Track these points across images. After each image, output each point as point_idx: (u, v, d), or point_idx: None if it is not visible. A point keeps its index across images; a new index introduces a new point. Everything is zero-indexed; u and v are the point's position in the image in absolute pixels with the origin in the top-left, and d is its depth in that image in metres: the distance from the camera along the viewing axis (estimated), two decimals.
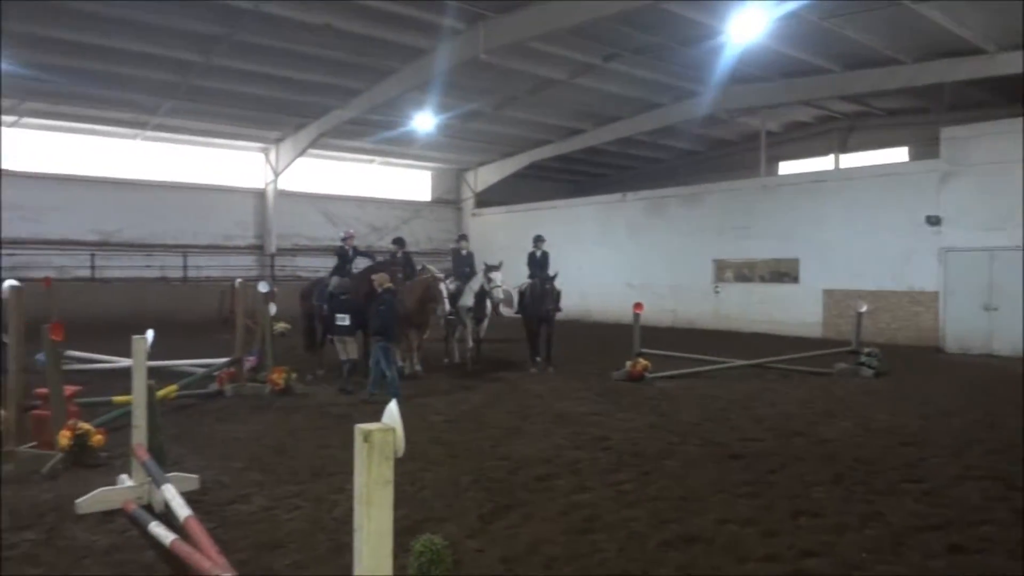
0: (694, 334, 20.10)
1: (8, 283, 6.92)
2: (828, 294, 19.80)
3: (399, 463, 2.20)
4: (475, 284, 13.15)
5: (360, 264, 13.48)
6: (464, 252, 14.17)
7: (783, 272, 21.40)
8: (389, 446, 2.16)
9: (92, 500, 5.30)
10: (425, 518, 5.19)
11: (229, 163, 27.39)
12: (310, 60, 18.49)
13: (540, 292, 12.95)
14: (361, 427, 2.14)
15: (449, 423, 8.67)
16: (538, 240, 14.01)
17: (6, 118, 21.83)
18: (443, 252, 27.97)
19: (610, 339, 18.17)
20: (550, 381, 11.95)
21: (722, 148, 28.99)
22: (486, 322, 13.65)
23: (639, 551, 4.73)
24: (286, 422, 8.67)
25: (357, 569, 2.20)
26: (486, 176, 31.70)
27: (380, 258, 13.96)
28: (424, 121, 22.86)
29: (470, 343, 13.30)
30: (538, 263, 13.81)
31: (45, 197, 23.27)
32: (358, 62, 18.75)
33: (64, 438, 6.33)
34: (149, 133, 24.65)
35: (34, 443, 6.65)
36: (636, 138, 26.15)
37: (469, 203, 32.59)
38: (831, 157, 25.73)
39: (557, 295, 13.22)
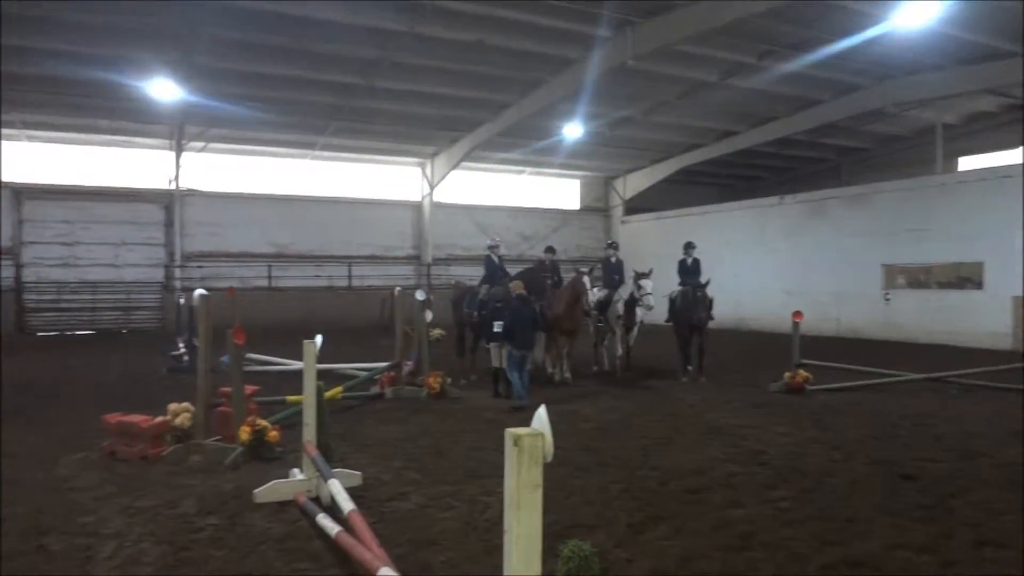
0: (860, 344, 18.78)
1: (198, 292, 7.69)
2: (1018, 301, 17.84)
3: (548, 468, 2.23)
4: (624, 292, 13.05)
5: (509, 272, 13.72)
6: (613, 260, 14.09)
7: (965, 277, 19.53)
8: (538, 451, 2.19)
9: (268, 491, 5.74)
10: (573, 524, 5.20)
11: (389, 178, 28.92)
12: (462, 76, 19.18)
13: (692, 299, 12.63)
14: (511, 431, 2.18)
15: (598, 431, 8.63)
16: (689, 246, 13.67)
17: (195, 144, 24.28)
18: (592, 260, 27.96)
19: (767, 349, 17.38)
20: (702, 391, 11.61)
21: (891, 144, 27.00)
22: (636, 330, 13.49)
23: (799, 573, 4.48)
24: (441, 425, 8.98)
25: (507, 570, 2.24)
26: (635, 183, 31.39)
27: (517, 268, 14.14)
28: (573, 130, 23.01)
29: (619, 351, 13.18)
30: (689, 270, 13.48)
31: (228, 214, 25.69)
32: (508, 76, 19.21)
33: (244, 433, 6.92)
34: (317, 153, 26.56)
35: (219, 437, 7.31)
36: (794, 138, 24.93)
37: (618, 210, 32.39)
38: (1020, 150, 23.24)
39: (709, 303, 12.82)
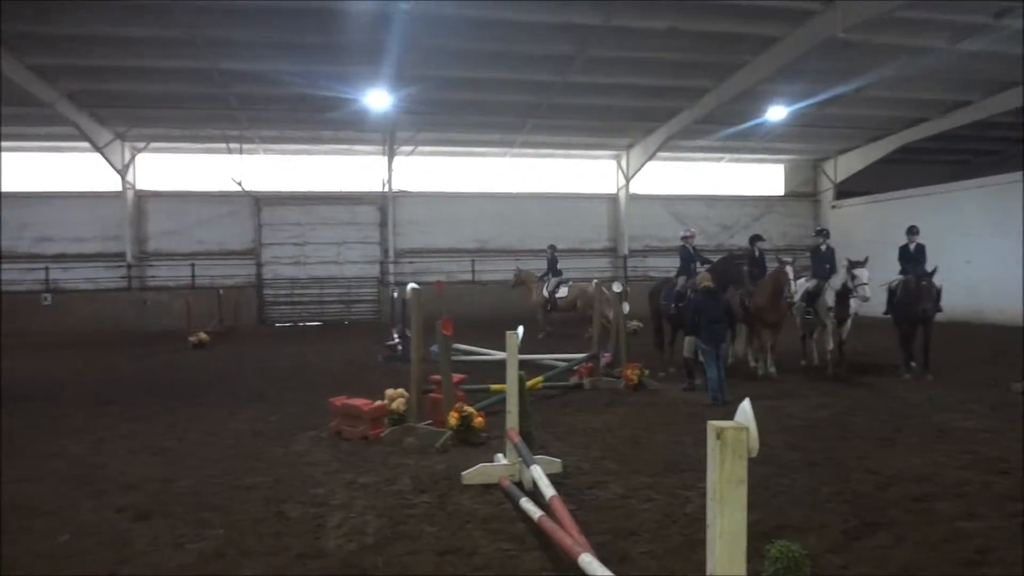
0: None
1: (410, 286, 8.25)
2: None
3: (751, 465, 2.16)
4: (836, 282, 12.16)
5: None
6: (823, 248, 13.18)
7: None
8: (742, 445, 2.14)
9: (474, 473, 6.06)
10: (780, 525, 4.96)
11: (584, 171, 29.15)
12: (657, 65, 18.85)
13: (915, 290, 11.50)
14: (714, 424, 2.14)
15: (807, 428, 8.15)
16: (912, 231, 12.44)
17: (405, 148, 26.01)
18: (798, 249, 26.36)
19: (1008, 344, 15.40)
20: (928, 389, 10.55)
21: None
22: (849, 323, 12.53)
23: None
24: (639, 416, 8.95)
25: (710, 566, 2.21)
26: (847, 165, 29.08)
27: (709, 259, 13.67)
28: (776, 112, 21.81)
29: (830, 345, 12.33)
30: (912, 257, 12.27)
31: (435, 213, 27.33)
32: (704, 60, 18.59)
33: (453, 418, 7.34)
34: (515, 150, 27.40)
35: (430, 421, 7.82)
36: None
37: (828, 195, 30.21)
38: None
39: (936, 293, 11.61)
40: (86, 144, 23.46)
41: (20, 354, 17.05)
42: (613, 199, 29.09)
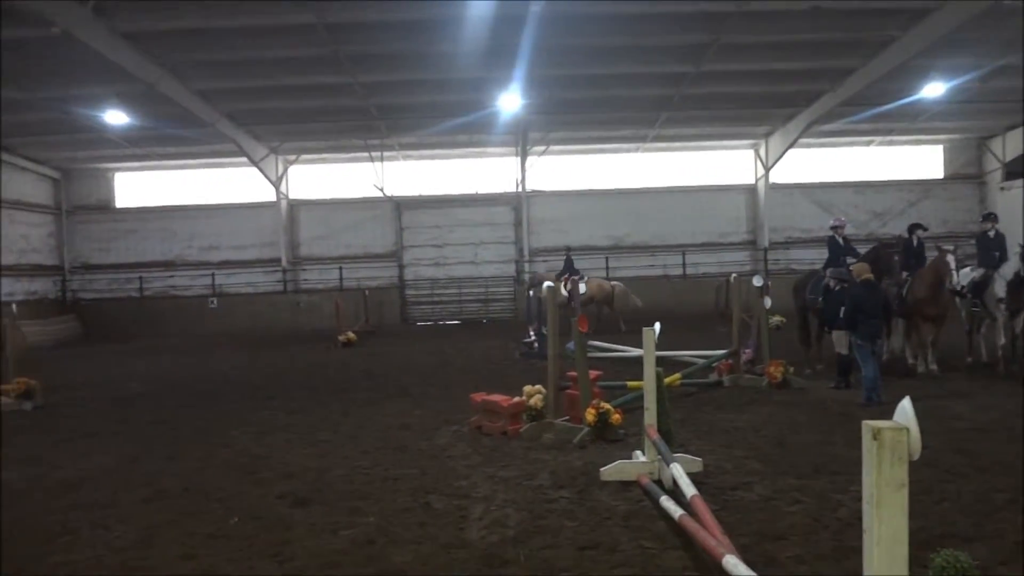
0: None
1: (546, 284, 8.34)
2: None
3: (912, 469, 2.03)
4: (1007, 270, 11.09)
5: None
6: (991, 234, 12.06)
7: None
8: (902, 446, 2.01)
9: (613, 470, 6.04)
10: (945, 534, 4.60)
11: (720, 163, 28.25)
12: (797, 48, 17.95)
13: None
14: (870, 424, 2.03)
15: (976, 431, 7.50)
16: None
17: (537, 148, 26.26)
18: (961, 236, 24.25)
19: None
20: None
21: None
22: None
23: None
24: (784, 415, 8.58)
25: (867, 573, 2.09)
26: (1016, 142, 26.41)
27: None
28: (933, 89, 20.18)
29: (1002, 339, 11.27)
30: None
31: (568, 211, 27.43)
32: (850, 39, 17.50)
33: (590, 415, 7.35)
34: (648, 144, 26.98)
35: (567, 417, 7.87)
36: None
37: (995, 176, 27.56)
38: None
39: None
40: (244, 159, 25.43)
41: (192, 353, 18.74)
42: (751, 190, 27.99)
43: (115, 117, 20.35)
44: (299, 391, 11.54)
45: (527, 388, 7.93)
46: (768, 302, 11.27)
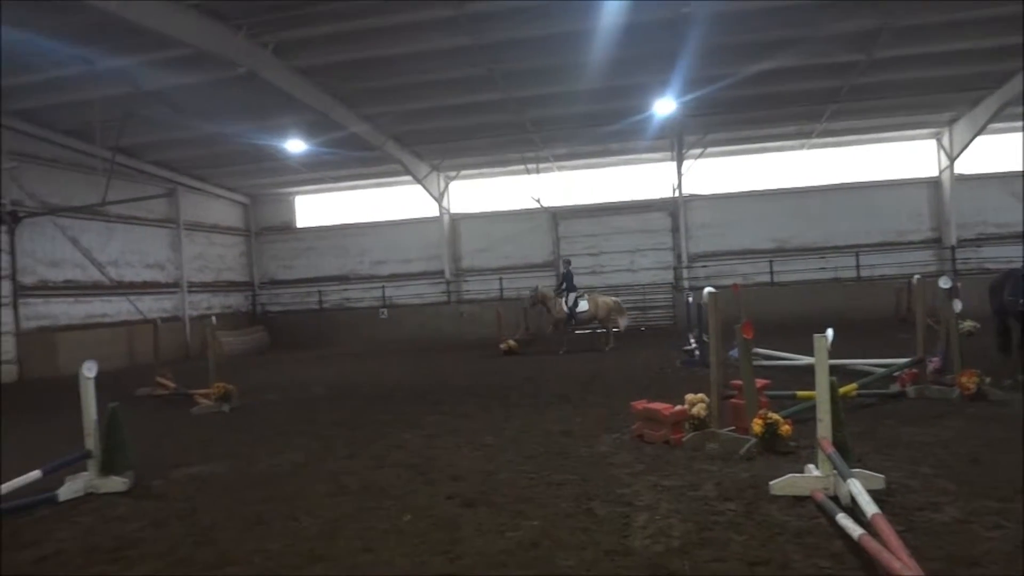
0: None
1: (707, 290, 8.12)
2: None
3: None
4: None
5: None
6: None
7: None
8: None
9: (783, 484, 5.77)
10: None
11: (897, 155, 26.21)
12: (980, 24, 16.32)
13: None
14: None
15: None
16: None
17: (693, 151, 25.64)
18: None
19: None
20: None
21: None
22: None
23: None
24: (979, 430, 7.79)
25: None
26: None
27: None
28: None
29: None
30: None
31: (727, 214, 26.55)
32: None
33: (757, 425, 7.06)
34: (814, 140, 25.55)
35: (732, 427, 7.60)
36: None
37: None
38: None
39: None
40: (409, 178, 26.90)
41: (366, 360, 19.95)
42: (934, 183, 25.69)
43: (295, 145, 22.18)
44: (465, 397, 11.97)
45: (689, 396, 7.77)
46: (958, 305, 10.30)
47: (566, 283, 19.23)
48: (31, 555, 5.33)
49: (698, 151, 25.80)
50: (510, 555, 4.81)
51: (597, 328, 19.27)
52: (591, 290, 21.06)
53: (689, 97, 19.78)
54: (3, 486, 6.32)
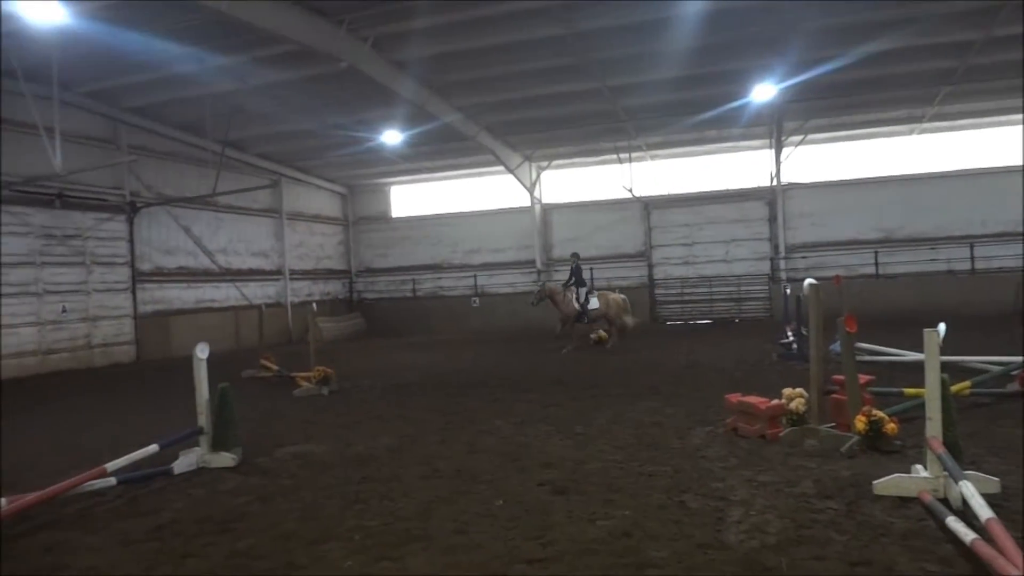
0: None
1: (808, 281, 7.85)
2: None
3: None
4: None
5: None
6: None
7: None
8: None
9: (888, 484, 5.53)
10: None
11: (1015, 140, 24.36)
12: None
13: None
14: None
15: None
16: None
17: (793, 138, 24.70)
18: None
19: None
20: None
21: None
22: None
23: None
24: None
25: None
26: None
27: None
28: None
29: None
30: None
31: (829, 203, 25.49)
32: None
33: (860, 422, 6.79)
34: (925, 125, 24.16)
35: (832, 424, 7.34)
36: None
37: None
38: None
39: None
40: (501, 168, 27.12)
41: (458, 347, 20.31)
42: None
43: (391, 137, 22.72)
44: (554, 385, 12.02)
45: (787, 391, 7.54)
46: None
47: (575, 278, 18.10)
48: (150, 522, 5.73)
49: (798, 138, 24.83)
50: (601, 543, 4.83)
51: (604, 326, 18.22)
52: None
53: (791, 83, 19.06)
54: (125, 458, 6.81)
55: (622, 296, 18.56)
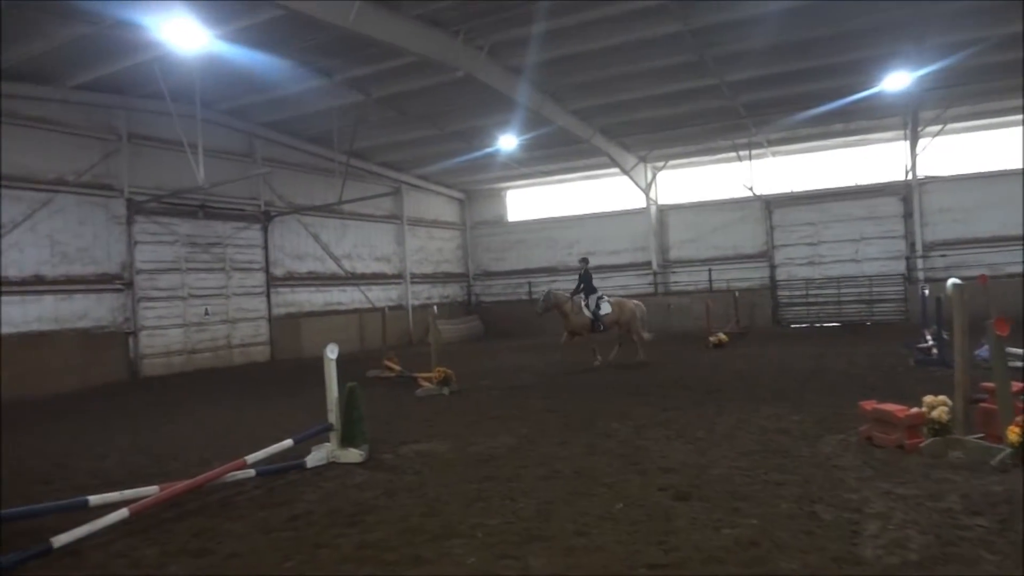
0: None
1: (951, 281, 7.31)
2: None
3: None
4: None
5: None
6: None
7: None
8: None
9: None
10: None
11: None
12: None
13: None
14: None
15: None
16: None
17: (930, 129, 23.11)
18: None
19: None
20: None
21: None
22: None
23: None
24: None
25: None
26: None
27: None
28: None
29: None
30: None
31: (973, 197, 23.62)
32: None
33: (1013, 433, 6.25)
34: None
35: (981, 435, 6.81)
36: None
37: None
38: None
39: None
40: (616, 169, 26.92)
41: (573, 350, 20.24)
42: None
43: (507, 142, 23.02)
44: (673, 389, 11.80)
45: (928, 399, 7.05)
46: None
47: (584, 284, 16.44)
48: (286, 512, 6.07)
49: (936, 128, 23.20)
50: (727, 552, 4.70)
51: (620, 335, 16.73)
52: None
53: (928, 70, 17.85)
54: (263, 451, 7.24)
55: (638, 303, 17.04)
